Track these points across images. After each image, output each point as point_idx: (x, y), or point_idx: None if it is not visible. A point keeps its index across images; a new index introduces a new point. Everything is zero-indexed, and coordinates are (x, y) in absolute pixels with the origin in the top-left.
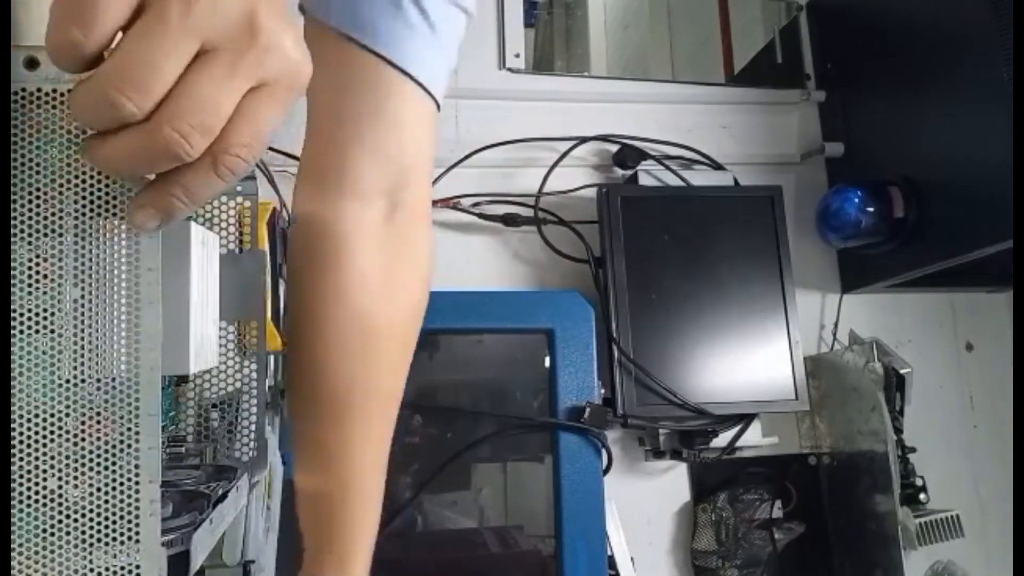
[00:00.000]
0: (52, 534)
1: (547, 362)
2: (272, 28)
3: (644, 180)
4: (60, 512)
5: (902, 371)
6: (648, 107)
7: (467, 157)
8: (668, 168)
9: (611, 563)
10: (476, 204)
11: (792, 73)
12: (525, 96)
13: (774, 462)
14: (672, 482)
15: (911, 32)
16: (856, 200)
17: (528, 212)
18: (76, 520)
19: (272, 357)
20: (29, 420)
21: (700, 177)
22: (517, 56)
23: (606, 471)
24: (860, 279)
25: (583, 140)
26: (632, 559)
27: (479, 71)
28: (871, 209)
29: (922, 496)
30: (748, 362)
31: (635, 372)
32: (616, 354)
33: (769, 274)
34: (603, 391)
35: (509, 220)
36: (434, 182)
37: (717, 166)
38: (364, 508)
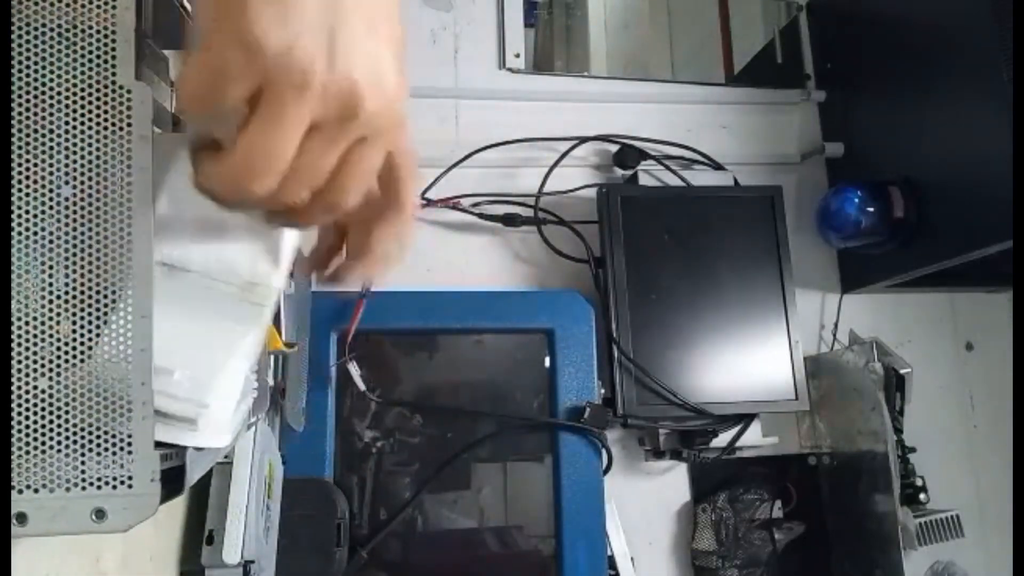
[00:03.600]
0: (43, 439)
1: (547, 362)
2: (374, 92)
3: (644, 180)
4: (51, 414)
5: (902, 371)
6: (648, 107)
7: (467, 157)
8: (668, 168)
9: (611, 563)
10: (476, 204)
11: (792, 73)
12: (525, 96)
13: (774, 462)
14: (672, 482)
15: (911, 32)
16: (856, 200)
17: (528, 212)
18: (67, 424)
19: (272, 357)
20: (20, 318)
21: (700, 177)
22: (517, 56)
23: (606, 471)
24: (860, 279)
25: (583, 140)
26: (632, 559)
27: (479, 71)
28: (871, 209)
29: (922, 496)
30: (748, 362)
31: (635, 372)
32: (616, 354)
33: (769, 274)
34: (603, 391)
35: (509, 220)
36: (434, 182)
37: (717, 166)
38: None
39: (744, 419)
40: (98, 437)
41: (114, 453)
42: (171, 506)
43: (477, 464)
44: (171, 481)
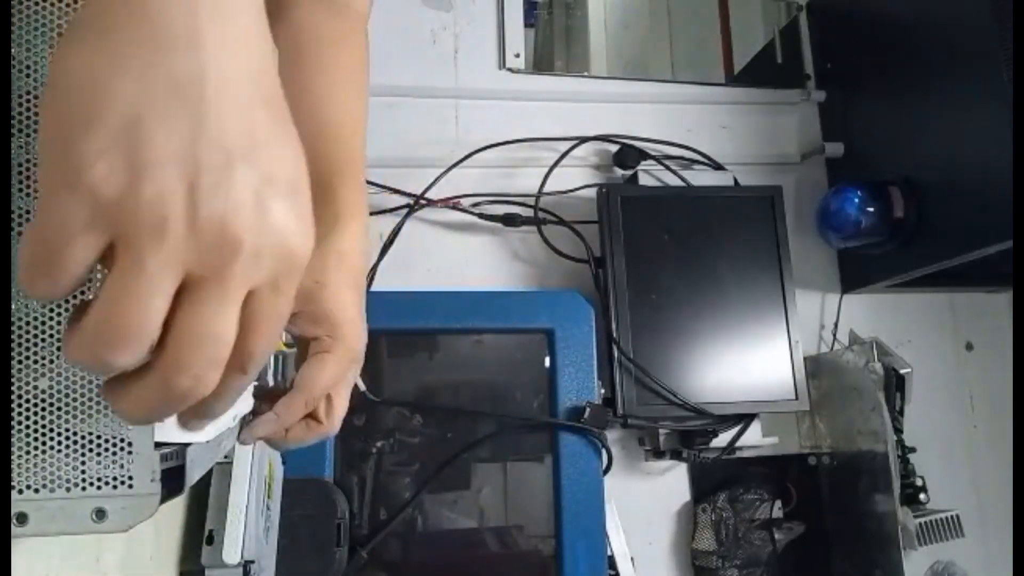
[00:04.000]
0: (44, 439)
1: (547, 362)
2: (254, 226)
3: (644, 180)
4: (51, 415)
5: (902, 371)
6: (648, 107)
7: (467, 157)
8: (668, 168)
9: (611, 563)
10: (476, 204)
11: (792, 73)
12: (525, 96)
13: (774, 462)
14: (672, 482)
15: (911, 32)
16: (856, 200)
17: (528, 212)
18: (67, 424)
19: (272, 357)
20: (21, 319)
21: (700, 177)
22: (517, 56)
23: (606, 471)
24: (860, 279)
25: (583, 140)
26: (632, 559)
27: (479, 71)
28: (871, 209)
29: (922, 496)
30: (748, 362)
31: (635, 372)
32: (616, 354)
33: (769, 274)
34: (603, 391)
35: (509, 220)
36: (434, 182)
37: (717, 166)
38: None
39: (744, 419)
40: (98, 437)
41: (114, 453)
42: (171, 506)
43: (477, 464)
44: (171, 481)
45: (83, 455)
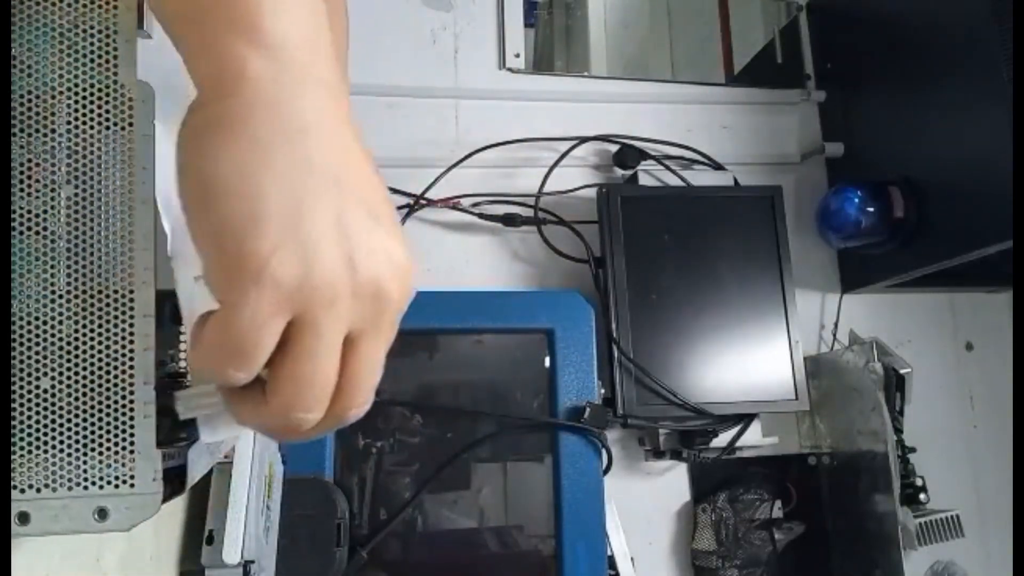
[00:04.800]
0: (45, 439)
1: (547, 362)
2: (395, 277)
3: (644, 180)
4: (53, 414)
5: (902, 371)
6: (648, 107)
7: (467, 157)
8: (668, 168)
9: (611, 563)
10: (476, 204)
11: (792, 73)
12: (525, 96)
13: (774, 462)
14: (672, 482)
15: (911, 32)
16: (856, 200)
17: (528, 212)
18: (69, 424)
19: None
20: (22, 318)
21: (700, 177)
22: (517, 56)
23: (606, 471)
24: (860, 279)
25: (583, 140)
26: (632, 559)
27: (479, 71)
28: (871, 209)
29: (922, 496)
30: (748, 362)
31: (635, 372)
32: (616, 354)
33: (769, 274)
34: (603, 391)
35: (509, 220)
36: (434, 182)
37: (717, 166)
38: None
39: (744, 419)
40: (100, 437)
41: (116, 453)
42: (171, 506)
43: (477, 464)
44: (172, 480)
45: (85, 454)
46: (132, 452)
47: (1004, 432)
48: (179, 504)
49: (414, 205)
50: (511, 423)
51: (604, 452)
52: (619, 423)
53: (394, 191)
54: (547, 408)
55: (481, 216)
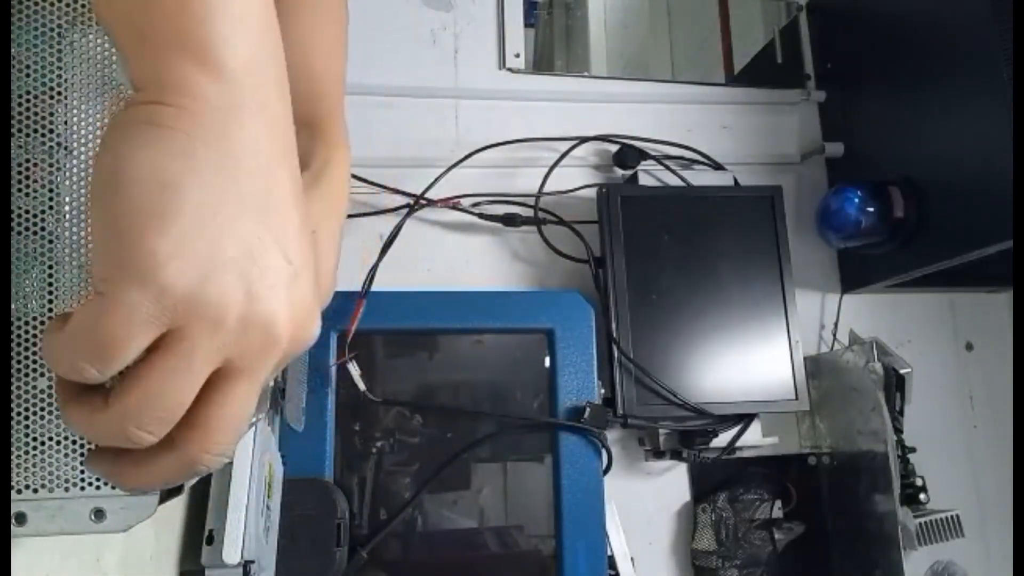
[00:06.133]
0: (43, 439)
1: (547, 362)
2: (290, 324)
3: (644, 180)
4: (51, 414)
5: (902, 371)
6: (648, 107)
7: (467, 157)
8: (668, 168)
9: (611, 563)
10: (476, 204)
11: (792, 73)
12: (525, 96)
13: (774, 462)
14: (672, 482)
15: (911, 32)
16: (856, 200)
17: (528, 212)
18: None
19: None
20: (22, 318)
21: (700, 177)
22: (517, 56)
23: (606, 471)
24: (860, 279)
25: (583, 140)
26: (632, 559)
27: (479, 71)
28: (871, 209)
29: (922, 496)
30: (748, 362)
31: (635, 372)
32: (616, 354)
33: (769, 274)
34: (603, 391)
35: (509, 220)
36: (434, 182)
37: (717, 166)
38: None
39: (744, 419)
40: None
41: None
42: (171, 506)
43: (477, 464)
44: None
45: (82, 455)
46: None
47: (1004, 432)
48: (179, 504)
49: (414, 205)
50: (511, 423)
51: (604, 452)
52: (619, 423)
53: (394, 191)
54: (547, 408)
55: (481, 216)
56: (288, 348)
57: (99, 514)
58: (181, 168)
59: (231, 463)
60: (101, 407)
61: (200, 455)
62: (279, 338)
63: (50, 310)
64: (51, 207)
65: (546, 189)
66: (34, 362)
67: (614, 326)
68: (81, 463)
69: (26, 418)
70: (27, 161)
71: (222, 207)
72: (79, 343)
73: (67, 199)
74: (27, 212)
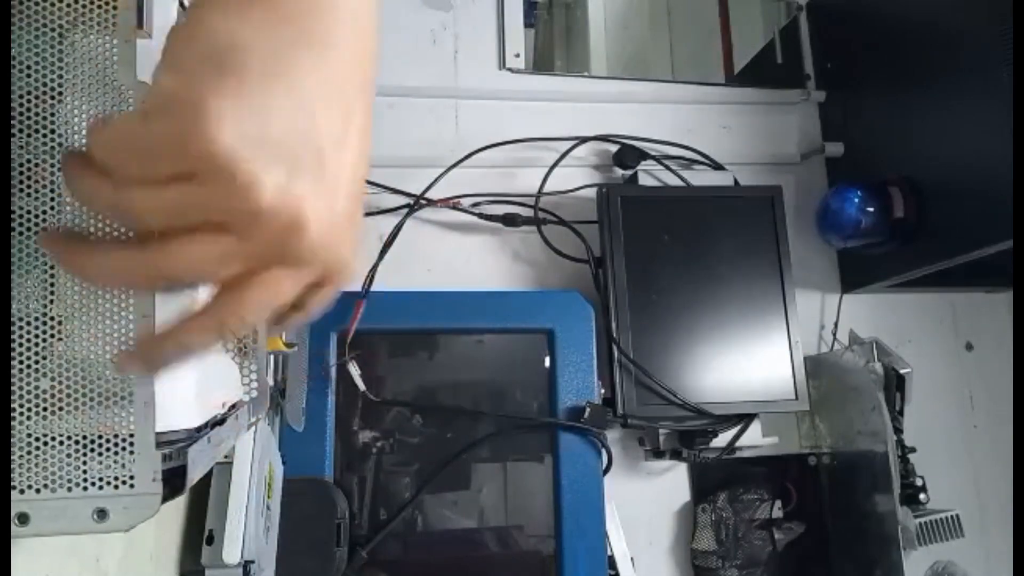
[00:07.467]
0: (45, 439)
1: (547, 362)
2: (320, 233)
3: (644, 180)
4: (52, 414)
5: (902, 371)
6: (648, 107)
7: (467, 157)
8: (668, 168)
9: (611, 563)
10: (476, 204)
11: (792, 73)
12: (525, 96)
13: (774, 462)
14: (672, 482)
15: (911, 32)
16: (856, 200)
17: (528, 212)
18: (68, 424)
19: (271, 356)
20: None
21: (700, 177)
22: (517, 56)
23: (606, 471)
24: (860, 279)
25: (583, 140)
26: (632, 559)
27: (479, 71)
28: (871, 209)
29: (922, 496)
30: (748, 362)
31: (635, 372)
32: (616, 354)
33: (769, 274)
34: (603, 391)
35: (509, 220)
36: (434, 182)
37: (717, 166)
38: None
39: (744, 419)
40: (99, 437)
41: (115, 453)
42: (171, 506)
43: (477, 464)
44: (172, 480)
45: (84, 455)
46: (131, 452)
47: (1004, 432)
48: (179, 504)
49: (414, 205)
50: (511, 423)
51: (604, 452)
52: (619, 423)
53: (394, 191)
54: (547, 408)
55: (481, 216)
56: (315, 252)
57: (101, 514)
58: (290, 42)
59: (231, 463)
60: (110, 187)
61: (229, 318)
62: (298, 241)
63: (51, 310)
64: (52, 207)
65: (546, 189)
66: (35, 362)
67: (614, 326)
68: (84, 463)
69: (28, 418)
70: (27, 161)
71: (294, 90)
72: (120, 139)
73: (68, 199)
74: (28, 212)
